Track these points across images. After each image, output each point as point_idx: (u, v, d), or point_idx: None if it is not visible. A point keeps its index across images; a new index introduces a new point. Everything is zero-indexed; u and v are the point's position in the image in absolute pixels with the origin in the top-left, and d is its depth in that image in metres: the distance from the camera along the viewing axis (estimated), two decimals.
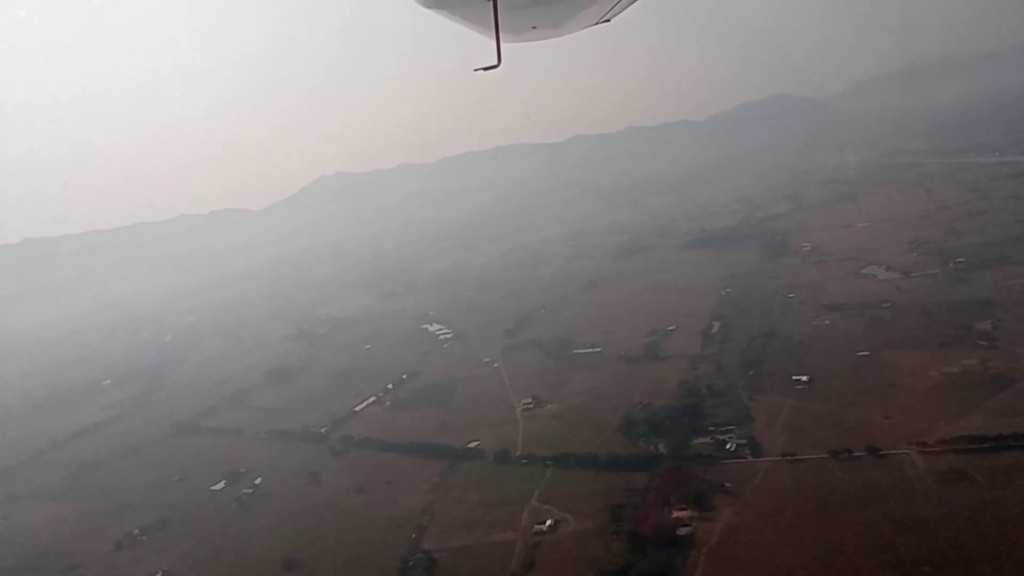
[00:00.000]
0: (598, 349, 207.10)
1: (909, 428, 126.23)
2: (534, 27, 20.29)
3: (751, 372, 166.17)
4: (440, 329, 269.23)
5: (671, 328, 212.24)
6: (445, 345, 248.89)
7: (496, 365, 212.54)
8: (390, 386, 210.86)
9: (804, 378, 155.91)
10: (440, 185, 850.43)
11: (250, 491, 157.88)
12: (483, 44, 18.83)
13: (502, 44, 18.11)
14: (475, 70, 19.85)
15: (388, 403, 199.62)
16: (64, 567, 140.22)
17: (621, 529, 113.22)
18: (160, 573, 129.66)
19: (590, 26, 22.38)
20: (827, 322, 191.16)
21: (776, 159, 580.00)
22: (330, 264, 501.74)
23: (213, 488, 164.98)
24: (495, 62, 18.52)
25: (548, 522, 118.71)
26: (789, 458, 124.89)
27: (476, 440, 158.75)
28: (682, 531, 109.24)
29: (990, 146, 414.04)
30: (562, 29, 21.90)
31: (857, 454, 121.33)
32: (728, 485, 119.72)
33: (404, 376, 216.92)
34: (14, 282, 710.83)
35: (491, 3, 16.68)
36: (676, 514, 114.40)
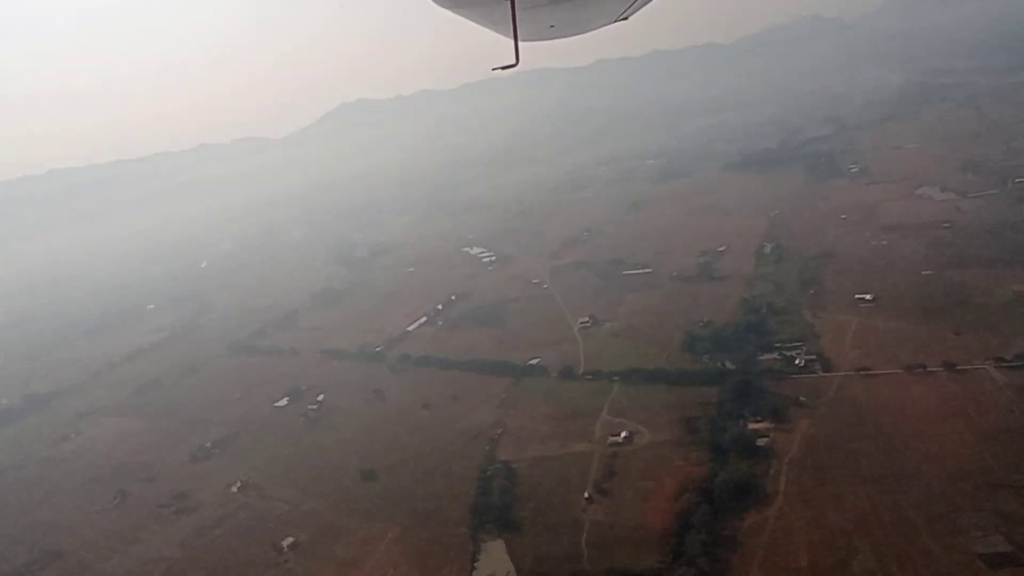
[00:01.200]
0: (649, 270, 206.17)
1: (984, 344, 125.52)
2: (552, 26, 20.22)
3: (812, 291, 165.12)
4: (482, 252, 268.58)
5: (722, 249, 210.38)
6: (490, 267, 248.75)
7: (545, 286, 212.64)
8: (440, 307, 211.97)
9: (868, 296, 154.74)
10: (463, 111, 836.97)
11: (315, 407, 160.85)
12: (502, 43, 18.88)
13: (520, 43, 18.09)
14: (493, 69, 19.98)
15: (440, 323, 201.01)
16: (144, 477, 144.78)
17: (698, 440, 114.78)
18: (239, 483, 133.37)
19: (607, 24, 22.25)
20: (885, 242, 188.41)
21: (811, 82, 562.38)
22: (360, 190, 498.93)
23: (277, 405, 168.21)
24: (513, 61, 18.53)
25: (623, 434, 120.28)
26: (862, 373, 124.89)
27: (537, 357, 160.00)
28: (761, 442, 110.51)
29: None
30: (579, 28, 21.99)
31: (932, 369, 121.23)
32: (802, 399, 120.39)
33: (453, 297, 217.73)
34: (42, 212, 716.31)
35: (509, 3, 16.50)
36: (752, 426, 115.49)
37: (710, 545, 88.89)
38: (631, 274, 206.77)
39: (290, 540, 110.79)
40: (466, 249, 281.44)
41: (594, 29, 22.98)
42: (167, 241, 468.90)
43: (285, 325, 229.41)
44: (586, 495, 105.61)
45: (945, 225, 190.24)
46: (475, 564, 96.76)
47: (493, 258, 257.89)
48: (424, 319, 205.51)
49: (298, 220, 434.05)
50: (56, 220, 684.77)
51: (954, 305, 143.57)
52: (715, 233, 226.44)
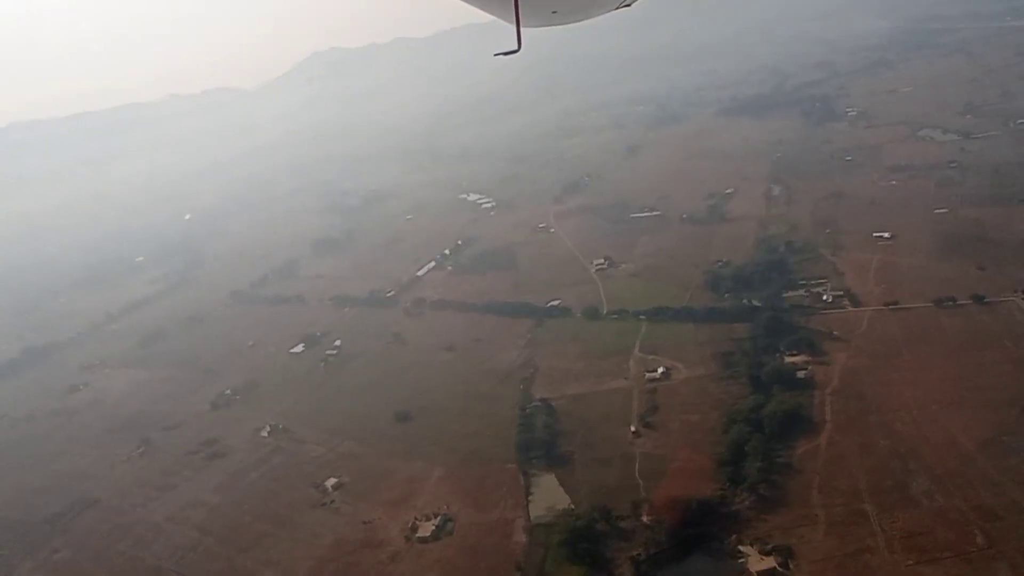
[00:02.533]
0: (657, 212, 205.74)
1: (1008, 278, 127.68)
2: (554, 12, 20.12)
3: (827, 230, 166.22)
4: (481, 198, 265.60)
5: (729, 191, 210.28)
6: (491, 213, 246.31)
7: (553, 230, 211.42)
8: (447, 252, 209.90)
9: (886, 234, 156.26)
10: (440, 59, 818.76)
11: (334, 353, 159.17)
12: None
13: (522, 29, 18.10)
14: (495, 55, 20.30)
15: (450, 268, 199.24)
16: (166, 425, 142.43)
17: (736, 374, 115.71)
18: (267, 427, 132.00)
19: (611, 11, 22.09)
20: (894, 182, 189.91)
21: (795, 28, 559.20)
22: (342, 140, 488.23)
23: (293, 351, 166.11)
24: (515, 47, 18.57)
25: (660, 369, 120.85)
26: (892, 307, 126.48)
27: (557, 299, 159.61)
28: (800, 374, 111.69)
29: None
30: (582, 14, 21.83)
31: (962, 302, 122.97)
32: (836, 333, 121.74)
33: (459, 242, 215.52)
34: (6, 167, 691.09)
35: None
36: (789, 359, 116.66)
37: (767, 472, 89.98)
38: (639, 217, 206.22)
39: (333, 481, 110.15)
40: (463, 196, 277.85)
41: (597, 15, 22.62)
42: (145, 194, 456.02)
43: (286, 274, 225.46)
44: (632, 429, 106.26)
45: (952, 165, 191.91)
46: (529, 498, 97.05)
47: (493, 204, 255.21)
48: (432, 264, 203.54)
49: (281, 170, 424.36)
50: (20, 175, 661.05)
51: (973, 241, 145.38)
52: (719, 176, 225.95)
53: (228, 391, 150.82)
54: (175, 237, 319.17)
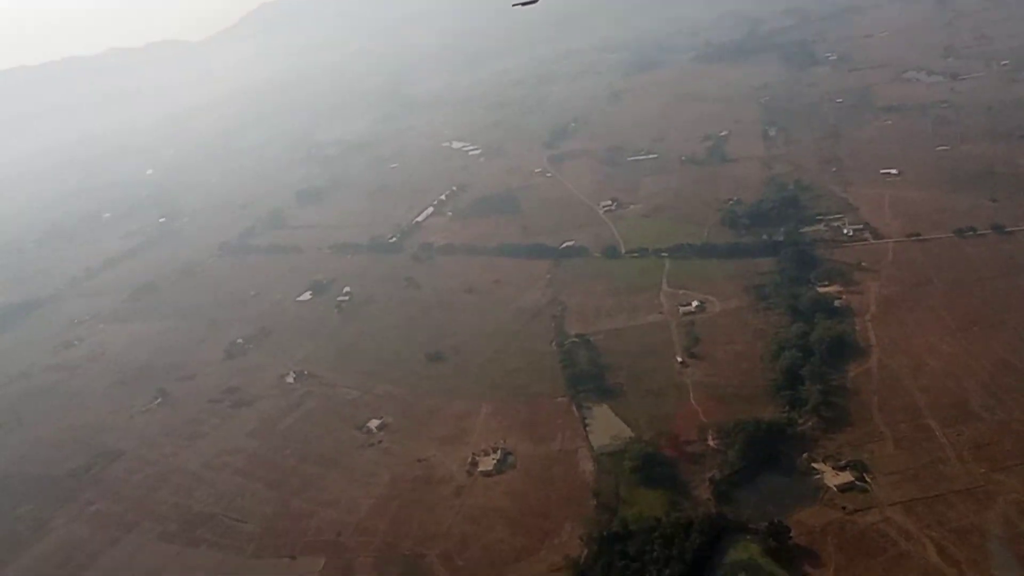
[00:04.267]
0: (655, 155, 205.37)
1: (1023, 208, 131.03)
2: None
3: (833, 168, 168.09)
4: (466, 146, 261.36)
5: (724, 133, 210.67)
6: (481, 160, 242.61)
7: (550, 174, 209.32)
8: (443, 197, 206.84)
9: (893, 171, 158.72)
10: (390, 10, 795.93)
11: (346, 298, 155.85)
12: None
13: None
14: (514, 5, 19.76)
15: (450, 213, 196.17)
16: (180, 376, 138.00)
17: (772, 304, 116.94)
18: (292, 373, 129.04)
19: None
20: (889, 122, 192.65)
21: None
22: (303, 91, 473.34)
23: (300, 299, 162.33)
24: None
25: (694, 303, 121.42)
26: (914, 239, 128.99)
27: (571, 240, 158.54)
28: (837, 303, 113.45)
29: None
30: None
31: (982, 232, 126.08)
32: (863, 264, 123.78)
33: (454, 188, 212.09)
34: None
35: None
36: (822, 289, 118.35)
37: (825, 394, 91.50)
38: (637, 159, 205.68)
39: (376, 422, 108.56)
40: (446, 144, 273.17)
41: None
42: (98, 151, 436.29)
43: (274, 224, 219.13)
44: (679, 359, 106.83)
45: (944, 105, 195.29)
46: (587, 428, 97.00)
47: (480, 151, 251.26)
48: (430, 210, 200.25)
49: (242, 122, 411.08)
50: None
51: (980, 175, 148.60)
52: (710, 119, 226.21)
53: (240, 340, 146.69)
54: (142, 192, 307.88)
